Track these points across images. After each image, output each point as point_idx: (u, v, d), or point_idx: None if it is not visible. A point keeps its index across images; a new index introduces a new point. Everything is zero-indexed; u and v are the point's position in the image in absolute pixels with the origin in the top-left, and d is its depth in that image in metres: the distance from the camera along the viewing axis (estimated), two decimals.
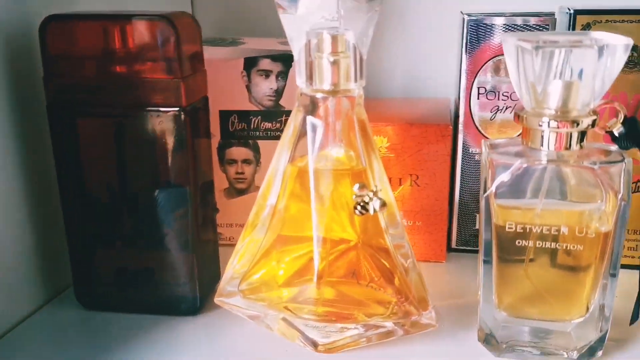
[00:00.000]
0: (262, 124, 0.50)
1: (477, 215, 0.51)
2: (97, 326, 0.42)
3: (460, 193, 0.51)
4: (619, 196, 0.34)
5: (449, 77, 0.56)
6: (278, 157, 0.40)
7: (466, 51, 0.47)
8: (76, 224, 0.41)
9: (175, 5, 0.59)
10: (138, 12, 0.37)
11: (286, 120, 0.50)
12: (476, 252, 0.51)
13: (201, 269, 0.42)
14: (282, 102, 0.50)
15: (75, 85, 0.38)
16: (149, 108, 0.38)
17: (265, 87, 0.49)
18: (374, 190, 0.37)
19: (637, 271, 0.37)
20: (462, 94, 0.48)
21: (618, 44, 0.32)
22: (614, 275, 0.35)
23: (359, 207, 0.37)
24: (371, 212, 0.37)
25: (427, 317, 0.38)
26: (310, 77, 0.37)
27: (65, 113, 0.39)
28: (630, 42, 0.32)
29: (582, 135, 0.34)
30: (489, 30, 0.46)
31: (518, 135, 0.47)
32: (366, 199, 0.37)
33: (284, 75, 0.49)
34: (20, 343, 0.40)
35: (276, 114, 0.50)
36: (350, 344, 0.39)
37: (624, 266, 0.36)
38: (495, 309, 0.38)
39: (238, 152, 0.51)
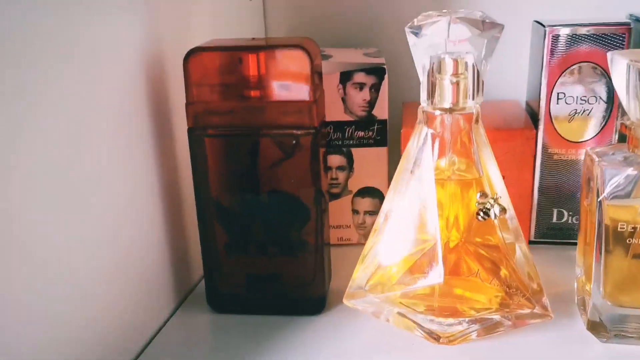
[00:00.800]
0: (355, 133, 0.54)
1: (554, 210, 0.55)
2: (227, 329, 0.45)
3: (538, 191, 0.55)
4: None
5: (517, 80, 0.60)
6: (400, 168, 0.43)
7: (548, 60, 0.51)
8: (210, 232, 0.45)
9: (247, 13, 0.63)
10: (272, 41, 0.41)
11: (378, 128, 0.54)
12: (553, 244, 0.55)
13: (322, 270, 0.46)
14: (374, 112, 0.53)
15: (214, 110, 0.42)
16: (284, 128, 0.42)
17: (359, 98, 0.53)
18: (495, 197, 0.41)
19: None
20: (543, 100, 0.52)
21: None
22: None
23: (481, 214, 0.41)
24: (492, 217, 0.41)
25: (542, 308, 0.42)
26: (431, 96, 0.41)
27: (203, 134, 0.42)
28: None
29: None
30: (568, 40, 0.50)
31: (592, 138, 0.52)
32: (488, 206, 0.41)
33: (376, 87, 0.53)
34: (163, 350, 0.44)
35: (369, 123, 0.54)
36: (463, 338, 0.43)
37: None
38: (602, 299, 0.42)
39: (333, 159, 0.55)
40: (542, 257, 0.54)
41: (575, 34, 0.50)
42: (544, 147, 0.53)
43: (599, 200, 0.39)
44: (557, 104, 0.52)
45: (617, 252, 0.41)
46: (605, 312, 0.42)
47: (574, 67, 0.51)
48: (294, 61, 0.40)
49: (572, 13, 0.55)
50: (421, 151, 0.42)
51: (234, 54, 0.41)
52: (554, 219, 0.55)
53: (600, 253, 0.40)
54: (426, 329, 0.43)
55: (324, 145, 0.46)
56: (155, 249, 0.45)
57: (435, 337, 0.43)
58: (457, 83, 0.40)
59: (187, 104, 0.42)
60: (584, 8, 0.57)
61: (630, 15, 0.51)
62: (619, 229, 0.39)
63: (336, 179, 0.55)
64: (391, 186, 0.44)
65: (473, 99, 0.41)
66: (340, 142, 0.54)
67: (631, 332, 0.42)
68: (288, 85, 0.41)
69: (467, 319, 0.43)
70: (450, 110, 0.41)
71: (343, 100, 0.53)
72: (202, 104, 0.42)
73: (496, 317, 0.43)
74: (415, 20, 0.40)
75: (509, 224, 0.43)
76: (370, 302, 0.45)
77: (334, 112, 0.53)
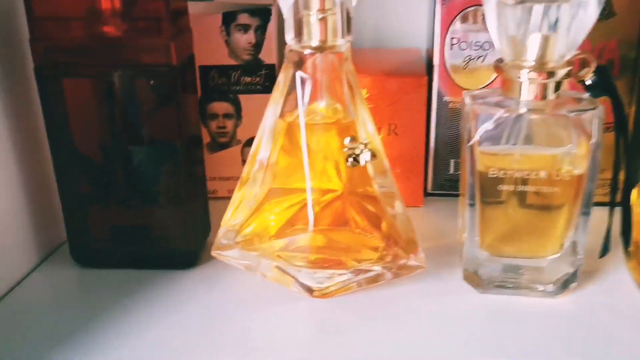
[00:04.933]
0: (242, 78, 0.51)
1: (451, 160, 0.53)
2: (93, 283, 0.43)
3: (435, 140, 0.53)
4: (592, 141, 0.36)
5: (420, 28, 0.58)
6: (267, 113, 0.41)
7: (440, 2, 0.48)
8: (69, 183, 0.42)
9: None
10: None
11: (266, 74, 0.51)
12: (450, 195, 0.54)
13: (193, 222, 0.43)
14: (261, 56, 0.50)
15: (63, 46, 0.38)
16: (140, 67, 0.38)
17: (243, 41, 0.50)
18: (365, 142, 0.39)
19: (607, 208, 0.40)
20: (437, 44, 0.50)
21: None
22: (586, 214, 0.38)
23: (350, 159, 0.39)
24: (362, 163, 0.39)
25: (417, 259, 0.41)
26: (298, 34, 0.38)
27: (53, 74, 0.39)
28: None
29: (558, 85, 0.36)
30: None
31: (488, 85, 0.50)
32: (357, 151, 0.38)
33: (262, 29, 0.50)
34: (19, 304, 0.41)
35: (256, 68, 0.51)
36: (342, 289, 0.41)
37: (594, 204, 0.39)
38: (478, 249, 0.40)
39: (219, 106, 0.52)
40: (439, 209, 0.53)
41: None
42: (439, 96, 0.51)
43: (469, 145, 0.37)
44: (451, 49, 0.50)
45: (492, 200, 0.39)
46: (482, 263, 0.40)
47: (468, 10, 0.49)
48: None
49: None
50: (289, 95, 0.39)
51: None
52: (451, 170, 0.54)
53: (473, 202, 0.39)
54: (302, 283, 0.41)
55: (193, 89, 0.43)
56: (11, 203, 0.41)
57: (309, 290, 0.41)
58: (325, 19, 0.37)
59: (32, 40, 0.38)
60: None
61: None
62: (489, 176, 0.38)
63: (224, 127, 0.52)
64: (259, 133, 0.41)
65: (343, 36, 0.38)
66: (226, 88, 0.51)
67: (507, 282, 0.40)
68: (141, 18, 0.37)
69: (347, 271, 0.41)
70: (320, 49, 0.38)
71: (227, 43, 0.50)
72: (47, 41, 0.38)
73: (377, 268, 0.41)
74: None
75: (380, 177, 0.41)
76: (246, 257, 0.42)
77: (218, 56, 0.50)
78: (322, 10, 0.37)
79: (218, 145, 0.53)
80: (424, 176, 0.54)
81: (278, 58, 0.51)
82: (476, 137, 0.37)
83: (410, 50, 0.58)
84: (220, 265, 0.43)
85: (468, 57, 0.50)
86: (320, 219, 0.41)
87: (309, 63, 0.39)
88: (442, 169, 0.54)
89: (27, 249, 0.44)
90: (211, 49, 0.50)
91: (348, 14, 0.38)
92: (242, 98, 0.52)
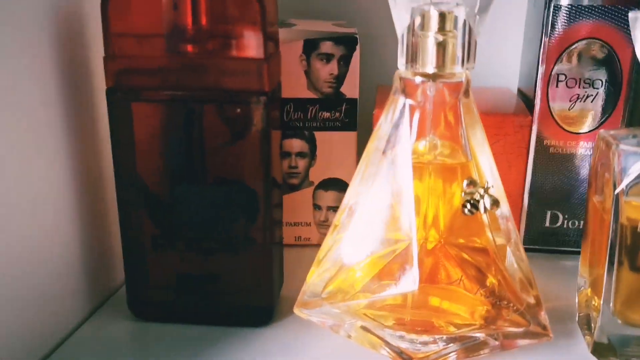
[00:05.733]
0: (320, 114, 0.46)
1: (548, 212, 0.47)
2: (151, 339, 0.37)
3: (530, 188, 0.47)
4: None
5: (511, 66, 0.53)
6: (369, 148, 0.36)
7: (546, 36, 0.44)
8: (132, 222, 0.37)
9: None
10: None
11: (347, 109, 0.46)
12: (545, 251, 0.48)
13: (270, 273, 0.38)
14: (342, 89, 0.45)
15: (139, 67, 0.33)
16: (225, 93, 0.33)
17: (325, 72, 0.45)
18: (486, 186, 0.33)
19: None
20: (539, 82, 0.45)
21: None
22: None
23: (468, 205, 0.33)
24: (482, 210, 0.33)
25: (538, 325, 0.35)
26: (411, 59, 0.33)
27: (125, 97, 0.34)
28: None
29: None
30: (570, 12, 0.43)
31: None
32: (477, 197, 0.33)
33: (346, 59, 0.45)
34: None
35: (336, 102, 0.46)
36: (439, 358, 0.35)
37: None
38: (612, 316, 0.34)
39: (292, 143, 0.47)
40: (532, 266, 0.46)
41: (572, 5, 0.43)
42: (539, 138, 0.46)
43: (615, 193, 0.32)
44: (557, 87, 0.45)
45: (630, 260, 0.33)
46: (614, 332, 0.34)
47: (576, 44, 0.43)
48: (240, 7, 0.32)
49: None
50: (396, 127, 0.34)
51: None
52: (547, 223, 0.48)
53: (613, 261, 0.33)
54: (394, 347, 0.35)
55: (278, 124, 0.38)
56: (65, 246, 0.36)
57: (405, 357, 0.35)
58: (444, 42, 0.32)
59: (106, 59, 0.33)
60: None
61: None
62: (638, 230, 0.32)
63: (295, 167, 0.47)
64: (357, 172, 0.36)
65: (463, 64, 0.33)
66: (301, 124, 0.46)
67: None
68: (232, 36, 0.33)
69: (444, 337, 0.35)
70: (433, 77, 0.33)
71: (306, 73, 0.45)
72: (125, 60, 0.33)
73: (480, 335, 0.35)
74: None
75: (500, 222, 0.35)
76: (328, 313, 0.37)
77: (296, 88, 0.45)
78: (442, 31, 0.32)
79: (288, 187, 0.48)
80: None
81: (360, 92, 0.46)
82: (625, 183, 0.31)
83: (501, 89, 0.53)
84: (298, 322, 0.38)
85: (576, 96, 0.44)
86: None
87: (419, 92, 0.34)
88: (536, 222, 0.48)
89: (79, 296, 0.38)
90: (288, 79, 0.45)
91: (471, 36, 0.33)
92: (318, 135, 0.46)
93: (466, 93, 0.34)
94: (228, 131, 0.35)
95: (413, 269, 0.34)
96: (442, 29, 0.32)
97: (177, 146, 0.35)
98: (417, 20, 0.32)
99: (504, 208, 0.35)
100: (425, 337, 0.35)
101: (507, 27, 0.52)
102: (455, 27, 0.32)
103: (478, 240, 0.36)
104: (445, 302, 0.36)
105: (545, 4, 0.43)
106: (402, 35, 0.33)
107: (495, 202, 0.33)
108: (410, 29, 0.32)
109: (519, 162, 0.45)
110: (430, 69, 0.33)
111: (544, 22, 0.43)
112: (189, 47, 0.33)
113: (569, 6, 0.43)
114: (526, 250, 0.48)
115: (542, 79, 0.45)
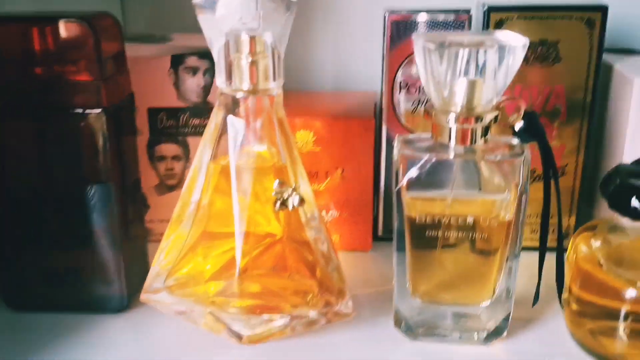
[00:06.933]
0: (190, 121, 0.51)
1: None
2: (24, 327, 0.42)
3: (385, 184, 0.52)
4: (519, 188, 0.36)
5: (376, 71, 0.58)
6: (201, 154, 0.40)
7: (388, 46, 0.49)
8: (2, 225, 0.41)
9: (103, 2, 0.59)
10: (58, 13, 0.38)
11: None
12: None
13: (129, 266, 0.43)
14: (210, 98, 0.50)
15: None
16: (71, 109, 0.38)
17: (192, 84, 0.50)
18: (294, 186, 0.38)
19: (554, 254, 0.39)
20: (385, 88, 0.50)
21: (517, 45, 0.34)
22: (516, 258, 0.38)
23: (278, 203, 0.38)
24: (290, 207, 0.38)
25: (345, 306, 0.40)
26: (229, 77, 0.38)
27: None
28: (527, 41, 0.35)
29: (486, 130, 0.36)
30: (409, 26, 0.48)
31: None
32: (285, 195, 0.38)
33: (211, 72, 0.50)
34: None
35: (204, 111, 0.51)
36: (275, 334, 0.40)
37: (525, 249, 0.39)
38: (410, 296, 0.39)
39: (167, 148, 0.52)
40: (386, 254, 0.51)
41: (415, 21, 0.48)
42: (389, 140, 0.51)
43: (396, 189, 0.37)
44: (400, 92, 0.50)
45: (424, 246, 0.38)
46: (413, 310, 0.40)
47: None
48: (77, 36, 0.37)
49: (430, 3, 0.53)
50: (219, 139, 0.39)
51: (13, 26, 0.37)
52: None
53: (402, 248, 0.38)
54: (232, 330, 0.40)
55: (132, 130, 0.43)
56: None
57: (238, 336, 0.40)
58: (256, 62, 0.37)
59: None
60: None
61: (483, 4, 0.49)
62: (417, 222, 0.37)
63: (172, 169, 0.52)
64: (191, 175, 0.41)
65: (275, 80, 0.38)
66: (174, 130, 0.51)
67: (439, 330, 0.39)
68: (71, 61, 0.38)
69: (282, 316, 0.40)
70: (252, 92, 0.38)
71: (175, 85, 0.50)
72: None
73: (312, 313, 0.40)
74: None
75: (312, 222, 0.41)
76: (178, 302, 0.42)
77: (167, 98, 0.50)
78: (253, 53, 0.37)
79: (167, 188, 0.53)
80: (374, 221, 0.53)
81: None
82: (403, 182, 0.37)
83: (366, 93, 0.58)
84: (153, 310, 0.42)
85: (417, 101, 0.50)
86: (259, 263, 0.41)
87: (241, 106, 0.39)
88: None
89: None
90: (160, 91, 0.50)
91: (279, 57, 0.38)
92: (191, 140, 0.51)
93: (279, 104, 0.39)
94: (80, 140, 0.39)
95: (237, 260, 0.39)
96: (253, 50, 0.37)
97: (32, 156, 0.40)
98: (231, 43, 0.37)
99: (315, 209, 0.40)
100: (265, 317, 0.40)
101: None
102: (264, 48, 0.37)
103: (304, 235, 0.41)
104: (280, 287, 0.41)
105: (384, 19, 0.48)
106: (218, 57, 0.38)
107: (302, 200, 0.38)
108: (225, 50, 0.37)
109: (367, 161, 0.50)
110: (247, 85, 0.38)
111: (384, 36, 0.49)
112: (36, 69, 0.38)
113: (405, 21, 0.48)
114: (385, 239, 0.54)
115: (386, 85, 0.50)
